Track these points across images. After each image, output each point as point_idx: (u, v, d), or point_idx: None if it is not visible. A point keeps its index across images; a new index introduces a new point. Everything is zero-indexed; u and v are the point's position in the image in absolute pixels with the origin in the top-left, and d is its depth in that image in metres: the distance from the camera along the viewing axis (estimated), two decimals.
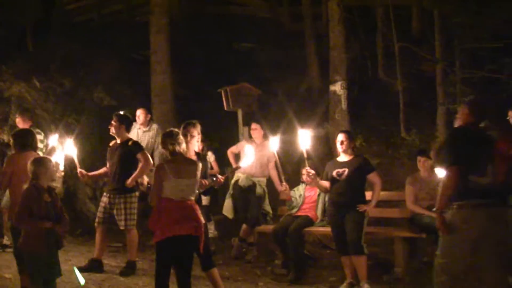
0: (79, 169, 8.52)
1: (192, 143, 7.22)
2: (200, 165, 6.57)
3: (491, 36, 12.46)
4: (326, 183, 8.33)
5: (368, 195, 8.38)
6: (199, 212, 6.35)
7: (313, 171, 8.16)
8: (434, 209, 6.13)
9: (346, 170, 8.13)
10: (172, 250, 6.14)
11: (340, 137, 8.33)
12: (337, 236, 8.21)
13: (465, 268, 5.75)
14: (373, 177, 8.31)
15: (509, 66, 12.08)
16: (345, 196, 8.10)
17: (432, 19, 13.20)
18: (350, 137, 8.40)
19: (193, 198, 6.32)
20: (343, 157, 8.33)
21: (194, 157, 7.10)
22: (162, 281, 6.19)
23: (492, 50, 12.57)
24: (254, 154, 9.26)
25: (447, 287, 5.84)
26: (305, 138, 8.11)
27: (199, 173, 6.46)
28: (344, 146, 8.25)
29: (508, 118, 7.70)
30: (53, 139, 9.19)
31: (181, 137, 6.46)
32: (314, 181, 8.35)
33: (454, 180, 5.72)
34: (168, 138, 6.40)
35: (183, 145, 6.42)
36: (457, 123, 6.27)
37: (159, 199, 6.23)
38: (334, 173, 8.19)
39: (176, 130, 6.57)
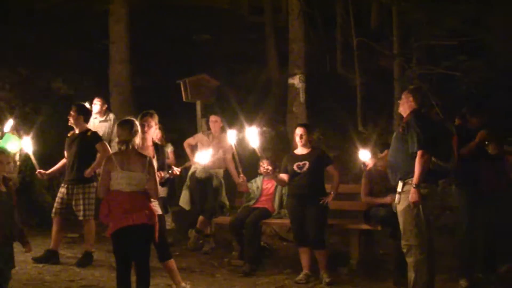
0: (38, 170, 8.43)
1: (149, 133, 7.18)
2: (151, 159, 6.42)
3: (447, 33, 12.67)
4: (284, 177, 8.37)
5: (326, 187, 8.45)
6: (151, 201, 6.29)
7: (270, 167, 8.21)
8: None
9: (307, 163, 8.18)
10: (127, 241, 6.07)
11: (299, 131, 8.38)
12: (297, 228, 8.27)
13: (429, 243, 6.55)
14: (331, 169, 8.40)
15: (464, 64, 12.31)
16: (307, 188, 8.14)
17: (390, 15, 13.34)
18: (309, 130, 8.44)
19: (143, 190, 6.20)
20: (301, 150, 8.37)
21: (151, 148, 7.08)
22: (122, 274, 6.13)
23: (448, 47, 12.78)
24: (212, 146, 9.35)
25: (425, 265, 6.49)
26: (254, 136, 8.12)
27: (153, 167, 6.32)
28: (303, 140, 8.30)
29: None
30: (8, 125, 9.09)
31: (136, 128, 6.30)
32: (271, 176, 8.42)
33: (427, 162, 6.45)
34: (122, 128, 6.28)
35: (137, 137, 6.31)
36: (402, 110, 6.95)
37: (107, 191, 6.15)
38: (295, 167, 8.23)
39: (132, 120, 6.43)
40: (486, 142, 7.54)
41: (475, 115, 7.82)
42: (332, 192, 8.27)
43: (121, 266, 6.15)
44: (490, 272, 7.65)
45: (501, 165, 7.73)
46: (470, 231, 7.60)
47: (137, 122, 6.40)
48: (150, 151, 7.03)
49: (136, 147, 6.26)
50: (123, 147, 6.19)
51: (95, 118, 10.91)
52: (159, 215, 6.64)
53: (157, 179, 6.38)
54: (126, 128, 6.26)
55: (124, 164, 6.11)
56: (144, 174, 6.16)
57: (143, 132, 6.94)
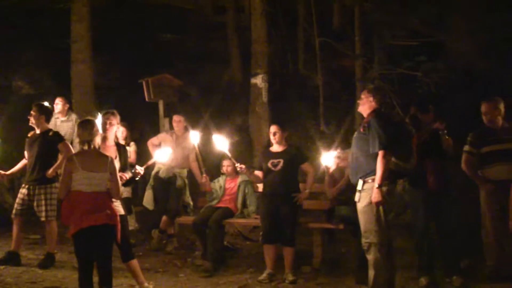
0: None
1: (111, 133, 7.16)
2: (113, 158, 6.41)
3: (408, 34, 12.84)
4: (260, 174, 8.41)
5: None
6: (112, 202, 6.28)
7: (243, 165, 8.23)
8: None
9: (281, 161, 8.20)
10: (89, 242, 6.04)
11: (272, 128, 8.40)
12: (268, 225, 8.27)
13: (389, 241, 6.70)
14: (307, 166, 8.47)
15: (424, 64, 12.48)
16: (280, 186, 8.16)
17: (353, 15, 13.45)
18: (283, 128, 8.42)
19: (104, 190, 6.18)
20: (276, 148, 8.38)
21: (113, 147, 7.06)
22: (84, 274, 6.10)
23: (409, 48, 12.95)
24: (175, 146, 9.35)
25: (384, 263, 6.60)
26: (221, 143, 8.15)
27: (114, 167, 6.31)
28: (276, 138, 8.31)
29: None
30: None
31: (96, 128, 6.31)
32: (246, 174, 8.46)
33: (389, 162, 6.56)
34: (83, 129, 6.25)
35: (98, 138, 6.29)
36: (362, 109, 7.06)
37: (68, 192, 6.11)
38: (269, 164, 8.25)
39: (92, 120, 6.42)
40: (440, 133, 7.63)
41: (424, 113, 7.93)
42: (306, 190, 8.34)
43: (83, 267, 6.12)
44: (451, 269, 7.75)
45: (443, 165, 7.78)
46: (425, 229, 7.72)
47: (97, 122, 6.37)
48: (112, 151, 7.01)
49: (97, 147, 6.24)
50: (84, 147, 6.16)
51: (57, 118, 10.83)
52: (121, 216, 6.63)
53: (119, 179, 6.37)
54: (86, 128, 6.24)
55: (85, 164, 6.08)
56: (105, 174, 6.15)
57: (105, 132, 6.94)
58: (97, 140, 6.26)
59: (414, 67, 12.55)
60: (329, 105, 13.35)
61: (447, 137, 7.66)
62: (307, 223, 9.08)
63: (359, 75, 12.90)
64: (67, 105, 11.18)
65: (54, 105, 10.73)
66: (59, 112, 10.87)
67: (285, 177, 8.18)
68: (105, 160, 6.21)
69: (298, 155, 8.42)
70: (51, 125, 9.04)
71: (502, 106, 7.91)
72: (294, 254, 8.20)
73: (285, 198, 8.15)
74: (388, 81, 12.62)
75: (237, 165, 8.26)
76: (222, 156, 8.31)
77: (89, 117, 6.48)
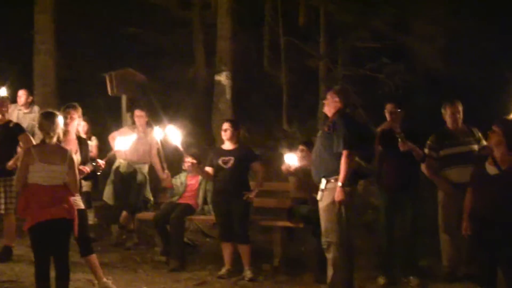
0: None
1: (72, 126, 7.08)
2: (72, 152, 6.29)
3: (372, 36, 12.95)
4: (210, 170, 8.40)
5: (251, 184, 8.49)
6: (71, 195, 6.18)
7: (195, 161, 8.22)
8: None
9: (232, 159, 8.20)
10: (45, 236, 5.96)
11: (224, 125, 8.41)
12: (222, 223, 8.31)
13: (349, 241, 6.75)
14: (257, 165, 8.45)
15: (387, 66, 12.60)
16: (231, 184, 8.17)
17: (318, 16, 13.52)
18: (235, 125, 8.43)
19: (62, 184, 6.09)
20: (228, 145, 8.38)
21: (74, 141, 6.98)
22: (41, 269, 6.00)
23: (373, 50, 13.06)
24: (137, 141, 9.27)
25: (343, 263, 6.69)
26: (174, 134, 8.11)
27: (73, 160, 6.21)
28: (227, 135, 8.32)
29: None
30: None
31: (57, 120, 6.20)
32: (196, 170, 8.44)
33: (352, 162, 6.61)
34: (46, 120, 6.15)
35: (59, 130, 6.19)
36: (327, 110, 7.07)
37: (25, 185, 6.01)
38: (220, 161, 8.24)
39: (54, 112, 6.31)
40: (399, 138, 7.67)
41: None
42: (256, 188, 8.35)
43: (39, 261, 6.02)
44: (408, 269, 7.83)
45: (402, 164, 7.82)
46: (387, 229, 7.80)
47: (59, 115, 6.29)
48: (73, 144, 6.94)
49: (57, 140, 6.16)
50: (46, 139, 6.08)
51: (19, 110, 10.70)
52: (80, 210, 6.57)
53: (77, 172, 6.29)
54: (49, 120, 6.15)
55: (43, 156, 5.99)
56: (64, 167, 6.06)
57: (66, 125, 6.86)
58: (57, 131, 6.17)
59: (377, 68, 12.65)
60: (292, 104, 13.38)
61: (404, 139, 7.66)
62: (267, 221, 9.09)
63: (323, 76, 12.97)
64: (31, 98, 11.06)
65: (17, 98, 10.64)
66: (22, 105, 10.75)
67: (235, 175, 8.19)
68: (64, 153, 6.12)
69: (248, 154, 8.45)
70: (13, 117, 8.94)
71: (461, 109, 8.02)
72: (250, 251, 8.20)
73: (235, 195, 8.16)
74: (351, 82, 12.70)
75: (188, 160, 8.23)
76: (184, 152, 8.26)
77: (51, 110, 6.38)
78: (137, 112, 10.02)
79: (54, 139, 6.10)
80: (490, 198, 6.01)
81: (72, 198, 6.21)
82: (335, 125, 6.75)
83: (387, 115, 7.92)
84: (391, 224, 7.82)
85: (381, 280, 7.70)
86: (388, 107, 7.91)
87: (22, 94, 10.79)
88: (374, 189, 8.31)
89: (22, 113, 10.69)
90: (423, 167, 8.00)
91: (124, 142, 7.85)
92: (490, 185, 6.06)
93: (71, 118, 7.05)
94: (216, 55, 13.19)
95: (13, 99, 10.14)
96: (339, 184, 6.59)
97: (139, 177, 9.75)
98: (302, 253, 9.16)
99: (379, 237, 7.94)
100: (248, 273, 8.07)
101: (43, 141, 6.11)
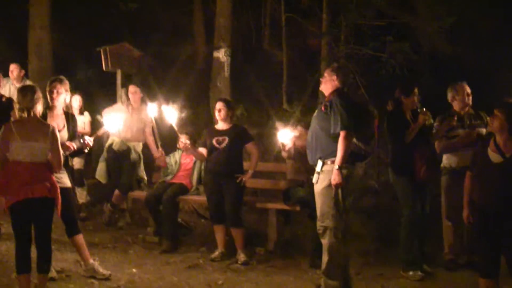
0: None
1: (58, 101, 6.78)
2: (54, 128, 6.01)
3: (375, 14, 12.69)
4: (203, 151, 8.21)
5: (245, 165, 8.32)
6: (53, 173, 5.96)
7: (188, 141, 7.97)
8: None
9: (226, 139, 8.04)
10: (25, 214, 5.80)
11: (218, 105, 8.22)
12: (214, 205, 8.15)
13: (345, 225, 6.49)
14: (251, 147, 8.28)
15: (390, 45, 12.35)
16: (224, 165, 8.01)
17: None
18: (229, 105, 8.25)
19: (44, 161, 5.88)
20: (222, 125, 8.21)
21: (61, 116, 6.72)
22: (22, 247, 5.85)
23: (376, 28, 12.81)
24: (130, 118, 9.04)
25: (339, 248, 6.41)
26: (170, 114, 7.89)
27: (55, 137, 5.94)
28: (221, 115, 8.14)
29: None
30: None
31: (38, 95, 5.95)
32: (190, 150, 8.20)
33: (350, 143, 6.33)
34: (23, 95, 5.92)
35: (39, 105, 5.96)
36: (324, 88, 6.76)
37: (5, 162, 5.81)
38: (214, 141, 8.07)
39: (34, 86, 6.11)
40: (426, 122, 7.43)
41: (410, 95, 7.64)
42: (249, 171, 8.14)
43: (20, 241, 5.86)
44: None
45: (430, 152, 7.57)
46: (413, 220, 7.38)
47: (37, 89, 6.01)
48: (60, 120, 6.70)
49: (38, 115, 5.91)
50: (23, 115, 5.82)
51: (12, 84, 10.62)
52: (66, 188, 6.41)
53: (61, 149, 6.03)
54: (27, 95, 5.91)
55: (24, 133, 5.77)
56: (46, 144, 5.83)
57: (52, 100, 6.60)
58: (39, 108, 5.93)
59: (380, 47, 12.40)
60: (292, 83, 13.15)
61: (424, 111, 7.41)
62: (263, 203, 8.85)
63: (324, 54, 12.71)
64: (23, 71, 11.01)
65: (9, 72, 10.58)
66: (14, 79, 10.65)
67: (229, 156, 8.03)
68: (46, 129, 5.88)
69: (243, 134, 8.27)
70: (5, 91, 8.78)
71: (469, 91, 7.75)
72: (243, 234, 8.05)
73: (228, 177, 8.00)
74: (354, 61, 12.47)
75: (182, 139, 7.98)
76: (178, 131, 8.03)
77: (31, 83, 6.13)
78: (132, 88, 9.73)
79: (34, 115, 5.84)
80: (495, 188, 5.67)
81: (56, 176, 5.96)
82: (332, 105, 6.46)
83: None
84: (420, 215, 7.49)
85: (416, 276, 7.29)
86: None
87: (14, 68, 10.76)
88: (374, 172, 8.02)
89: (14, 87, 10.54)
90: (437, 148, 7.72)
91: (112, 123, 7.65)
92: (493, 174, 5.72)
93: (57, 93, 6.74)
94: (215, 31, 12.94)
95: (5, 73, 9.96)
96: (336, 166, 6.31)
97: (133, 156, 9.51)
98: (298, 237, 8.94)
99: (406, 229, 7.53)
100: (241, 257, 7.91)
101: (22, 117, 5.88)
